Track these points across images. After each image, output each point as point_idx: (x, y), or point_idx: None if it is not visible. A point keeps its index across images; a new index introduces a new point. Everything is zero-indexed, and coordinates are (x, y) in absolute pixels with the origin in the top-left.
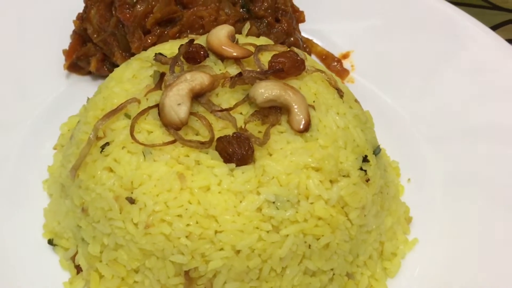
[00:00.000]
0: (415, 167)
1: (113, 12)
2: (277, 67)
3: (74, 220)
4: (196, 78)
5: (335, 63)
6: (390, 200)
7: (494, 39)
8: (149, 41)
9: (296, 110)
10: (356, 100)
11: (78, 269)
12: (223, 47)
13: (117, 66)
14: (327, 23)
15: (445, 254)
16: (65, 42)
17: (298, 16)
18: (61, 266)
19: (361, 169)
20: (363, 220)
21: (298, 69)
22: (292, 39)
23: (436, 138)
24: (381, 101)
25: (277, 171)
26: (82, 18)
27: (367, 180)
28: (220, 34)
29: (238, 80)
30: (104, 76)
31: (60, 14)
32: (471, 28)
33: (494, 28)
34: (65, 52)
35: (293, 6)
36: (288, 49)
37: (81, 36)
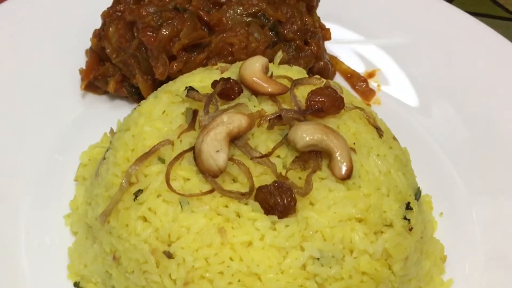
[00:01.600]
0: (446, 199)
1: (135, 33)
2: (317, 106)
3: (104, 266)
4: (234, 121)
5: (361, 83)
6: (427, 242)
7: None
8: (175, 67)
9: (338, 157)
10: (394, 138)
11: None
12: (258, 82)
13: (137, 87)
14: (352, 39)
15: None
16: (80, 59)
17: (324, 34)
18: None
19: (404, 217)
20: (406, 271)
21: (338, 108)
22: (321, 63)
23: (468, 168)
24: (408, 125)
25: (321, 224)
26: (99, 36)
27: (410, 229)
28: (255, 68)
29: (277, 122)
30: (122, 97)
31: (75, 30)
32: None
33: None
34: (82, 72)
35: (321, 24)
36: (324, 81)
37: (98, 55)
